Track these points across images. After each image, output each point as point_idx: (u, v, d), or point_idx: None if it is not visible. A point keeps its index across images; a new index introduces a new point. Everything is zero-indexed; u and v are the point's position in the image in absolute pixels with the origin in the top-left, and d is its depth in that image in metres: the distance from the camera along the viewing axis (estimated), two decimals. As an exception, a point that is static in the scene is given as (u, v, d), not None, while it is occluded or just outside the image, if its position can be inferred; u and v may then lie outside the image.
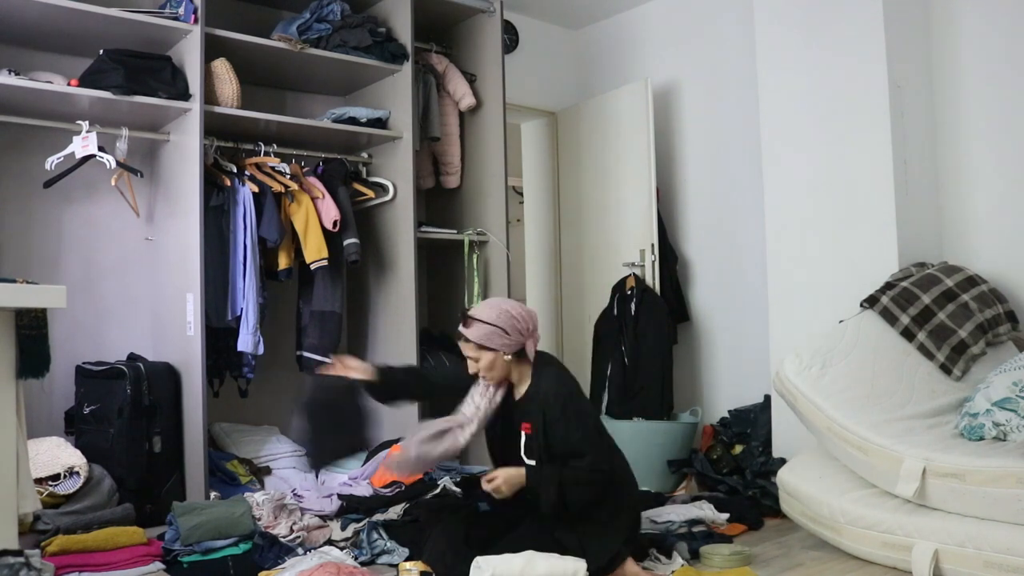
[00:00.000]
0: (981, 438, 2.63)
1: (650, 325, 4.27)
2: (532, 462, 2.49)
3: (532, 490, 2.42)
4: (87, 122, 3.18)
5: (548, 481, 2.39)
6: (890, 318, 3.07)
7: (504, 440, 2.59)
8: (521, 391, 2.56)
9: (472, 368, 2.51)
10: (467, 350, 2.50)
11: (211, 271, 3.26)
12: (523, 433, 2.51)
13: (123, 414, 3.07)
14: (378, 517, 2.93)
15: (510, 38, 4.84)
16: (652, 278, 4.41)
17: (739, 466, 3.65)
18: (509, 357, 2.48)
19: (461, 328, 2.49)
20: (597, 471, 2.41)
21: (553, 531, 2.44)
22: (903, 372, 2.93)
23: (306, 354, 3.64)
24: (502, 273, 4.04)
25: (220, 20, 3.40)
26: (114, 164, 3.21)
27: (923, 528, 2.46)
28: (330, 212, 3.54)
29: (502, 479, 2.43)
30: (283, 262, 3.50)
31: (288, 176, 3.55)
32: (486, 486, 2.46)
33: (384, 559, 2.68)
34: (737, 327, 4.42)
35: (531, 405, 2.51)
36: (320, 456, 2.87)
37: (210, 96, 3.33)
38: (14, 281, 1.85)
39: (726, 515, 3.08)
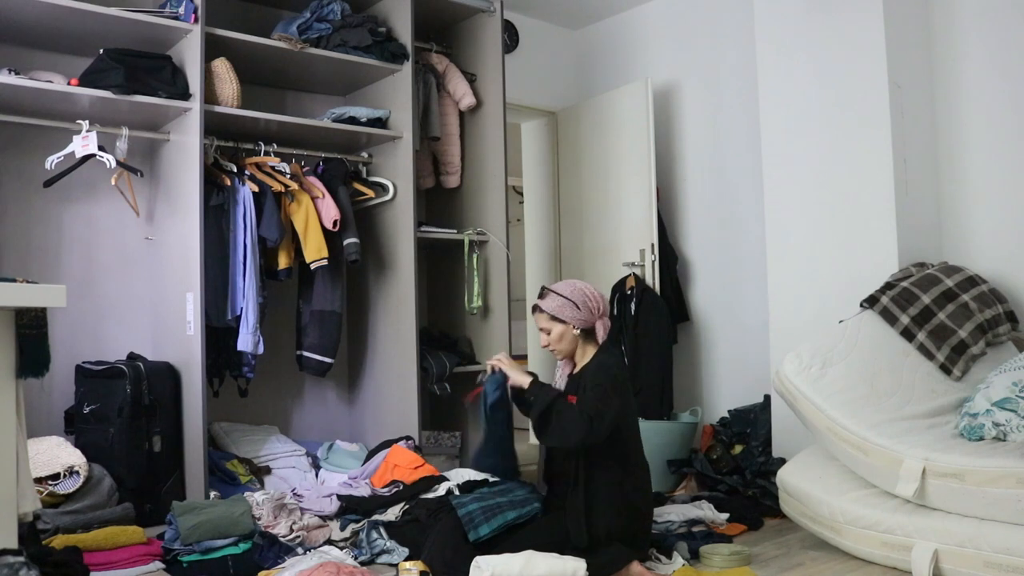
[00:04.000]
0: (981, 438, 2.63)
1: (650, 325, 4.27)
2: None
3: (527, 395, 2.54)
4: (87, 121, 3.18)
5: (543, 397, 2.48)
6: (890, 318, 3.07)
7: None
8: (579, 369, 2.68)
9: (543, 341, 2.65)
10: (540, 321, 2.65)
11: (211, 271, 3.26)
12: None
13: (123, 413, 3.07)
14: (378, 517, 2.93)
15: (510, 38, 4.85)
16: (652, 278, 4.41)
17: (739, 466, 3.65)
18: (578, 331, 2.60)
19: (537, 300, 2.66)
20: (584, 412, 2.42)
21: (566, 526, 2.45)
22: (903, 372, 2.93)
23: (306, 353, 3.64)
24: (502, 273, 4.04)
25: (220, 19, 3.40)
26: (114, 163, 3.21)
27: (923, 528, 2.46)
28: (330, 212, 3.53)
29: (509, 363, 2.60)
30: (283, 262, 3.50)
31: (288, 176, 3.55)
32: (493, 360, 2.63)
33: (384, 559, 2.68)
34: (737, 327, 4.42)
35: (580, 379, 2.60)
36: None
37: (210, 96, 3.33)
38: (14, 280, 1.84)
39: (726, 515, 3.08)
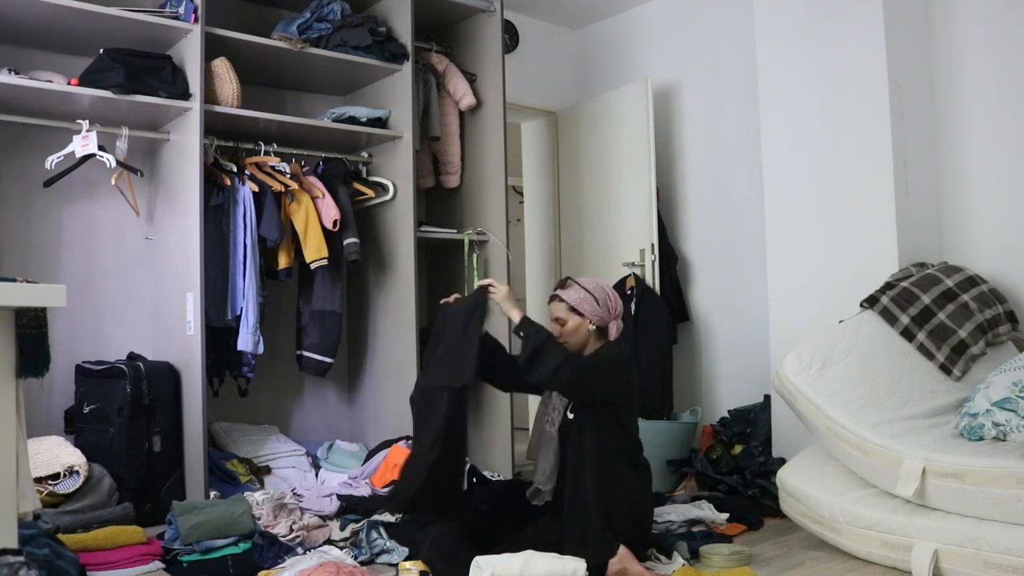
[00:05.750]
0: (981, 438, 2.63)
1: (650, 325, 4.27)
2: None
3: (516, 330, 2.51)
4: (87, 121, 3.18)
5: (534, 335, 2.47)
6: (890, 318, 3.07)
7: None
8: None
9: (556, 331, 2.63)
10: (557, 311, 2.64)
11: (211, 270, 3.26)
12: None
13: (123, 413, 3.07)
14: (378, 517, 2.93)
15: (510, 38, 4.85)
16: (652, 278, 4.41)
17: (739, 466, 3.65)
18: (593, 328, 2.62)
19: (558, 290, 2.65)
20: (572, 358, 2.48)
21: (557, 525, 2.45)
22: (903, 372, 2.93)
23: (306, 353, 3.64)
24: (502, 273, 4.03)
25: (220, 19, 3.40)
26: (114, 163, 3.21)
27: (923, 528, 2.47)
28: (330, 211, 3.53)
29: (503, 294, 2.58)
30: (283, 261, 3.50)
31: (288, 175, 3.55)
32: (487, 281, 2.61)
33: (384, 559, 2.68)
34: (737, 327, 4.42)
35: None
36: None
37: (210, 95, 3.33)
38: (14, 280, 1.84)
39: (726, 515, 3.08)
